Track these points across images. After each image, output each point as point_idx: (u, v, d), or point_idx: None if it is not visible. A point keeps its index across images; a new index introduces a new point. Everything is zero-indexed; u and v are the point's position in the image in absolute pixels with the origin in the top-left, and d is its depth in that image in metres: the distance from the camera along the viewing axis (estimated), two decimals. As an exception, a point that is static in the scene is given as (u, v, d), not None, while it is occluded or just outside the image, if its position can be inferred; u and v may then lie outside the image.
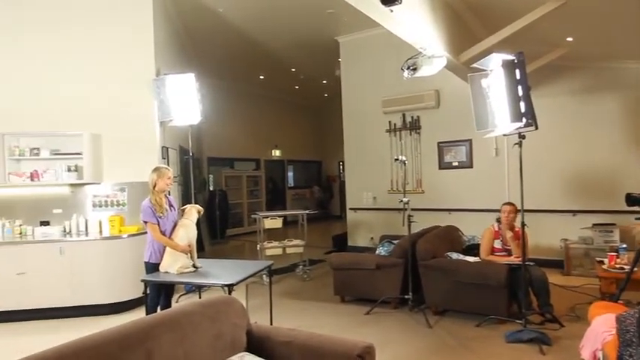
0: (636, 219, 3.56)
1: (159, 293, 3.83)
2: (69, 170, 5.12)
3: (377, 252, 5.06)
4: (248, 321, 2.49)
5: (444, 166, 7.26)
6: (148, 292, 3.66)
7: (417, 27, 3.90)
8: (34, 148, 5.11)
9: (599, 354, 2.31)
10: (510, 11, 4.70)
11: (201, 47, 8.55)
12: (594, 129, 6.26)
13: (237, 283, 3.28)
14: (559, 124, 6.39)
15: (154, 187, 3.78)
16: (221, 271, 3.66)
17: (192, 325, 2.19)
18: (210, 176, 11.46)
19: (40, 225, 5.16)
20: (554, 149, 6.45)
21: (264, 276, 5.86)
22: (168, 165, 4.99)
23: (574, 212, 6.25)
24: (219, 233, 10.60)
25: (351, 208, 8.21)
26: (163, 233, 3.75)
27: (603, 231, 5.86)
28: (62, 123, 5.21)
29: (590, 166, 6.25)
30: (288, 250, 6.35)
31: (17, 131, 5.09)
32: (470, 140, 6.97)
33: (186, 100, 5.38)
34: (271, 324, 3.90)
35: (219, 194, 10.84)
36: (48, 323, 4.70)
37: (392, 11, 3.42)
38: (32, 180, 5.06)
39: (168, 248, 3.67)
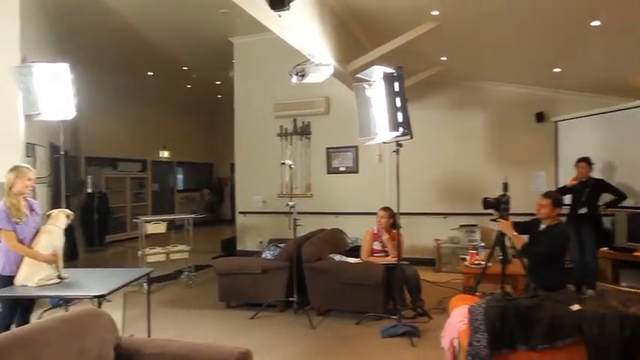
0: (491, 220, 4.00)
1: (13, 310, 3.35)
2: None
3: (263, 256, 5.04)
4: (117, 334, 2.30)
5: (332, 170, 7.51)
6: (1, 309, 3.21)
7: (305, 34, 3.98)
8: None
9: (455, 342, 2.55)
10: (393, 27, 5.03)
11: (82, 38, 7.76)
12: (462, 140, 7.00)
13: (109, 293, 3.01)
14: (433, 135, 7.02)
15: (11, 188, 3.32)
16: (92, 282, 3.33)
17: (49, 343, 1.95)
18: (89, 177, 10.48)
19: None
20: (429, 158, 7.06)
21: (144, 284, 5.49)
22: (35, 164, 4.44)
23: (445, 215, 6.90)
24: (97, 239, 9.73)
25: (240, 212, 8.09)
26: (21, 241, 3.31)
27: (468, 231, 6.55)
28: None
29: (459, 173, 6.95)
30: (173, 256, 6.03)
31: None
32: (356, 147, 7.29)
33: (57, 92, 4.82)
34: (149, 336, 3.66)
35: (99, 197, 9.95)
36: None
37: (280, 16, 3.44)
38: None
39: (26, 258, 3.24)
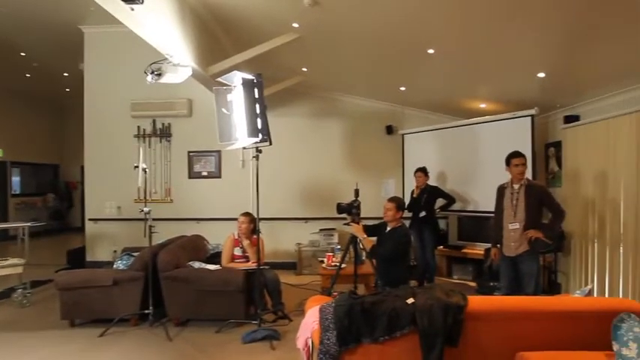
0: (344, 224, 4.25)
1: None
2: None
3: (115, 266, 4.62)
4: None
5: (193, 175, 7.25)
6: None
7: (162, 32, 3.76)
8: None
9: (309, 341, 2.63)
10: (256, 35, 5.05)
11: None
12: (321, 148, 7.34)
13: None
14: (293, 142, 7.26)
15: None
16: None
17: None
18: None
19: None
20: (290, 164, 7.27)
21: (-38, 307, 4.60)
22: None
23: (306, 219, 7.15)
24: None
25: (90, 219, 7.30)
26: None
27: (327, 235, 6.88)
28: None
29: (318, 179, 7.26)
30: (1, 272, 5.16)
31: None
32: (219, 151, 7.16)
33: None
34: (-37, 368, 3.09)
35: None
36: None
37: (132, 9, 3.20)
38: None
39: None
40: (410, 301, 2.58)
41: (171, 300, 4.38)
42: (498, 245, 4.09)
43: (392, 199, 4.19)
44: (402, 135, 7.04)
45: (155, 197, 7.13)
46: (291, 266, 6.90)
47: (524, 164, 3.96)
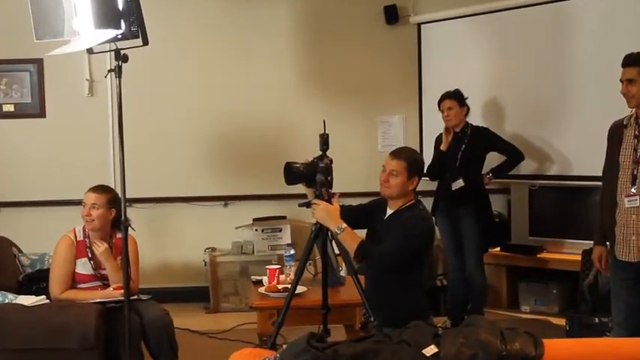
0: (301, 205, 4.13)
1: None
2: None
3: None
4: None
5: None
6: None
7: None
8: None
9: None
10: None
11: None
12: (254, 54, 7.21)
13: None
14: (197, 41, 7.19)
15: None
16: None
17: None
18: None
19: None
20: (190, 88, 7.21)
21: None
22: None
23: (225, 200, 7.17)
24: None
25: None
26: None
27: (268, 230, 6.80)
28: None
29: (249, 117, 7.16)
30: None
31: None
32: (39, 61, 6.92)
33: None
34: None
35: None
36: None
37: None
38: None
39: None
40: (430, 351, 2.54)
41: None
42: (607, 243, 4.09)
43: (397, 154, 4.05)
44: (418, 25, 7.05)
45: None
46: (197, 295, 6.92)
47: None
